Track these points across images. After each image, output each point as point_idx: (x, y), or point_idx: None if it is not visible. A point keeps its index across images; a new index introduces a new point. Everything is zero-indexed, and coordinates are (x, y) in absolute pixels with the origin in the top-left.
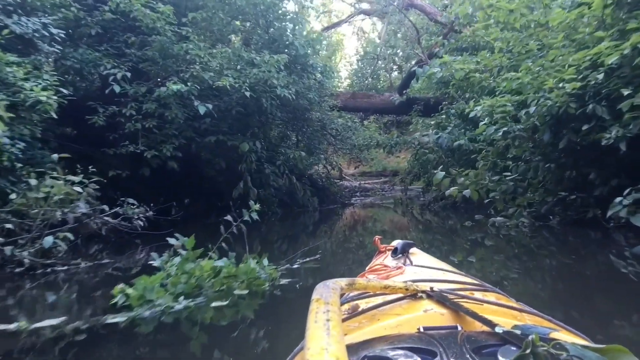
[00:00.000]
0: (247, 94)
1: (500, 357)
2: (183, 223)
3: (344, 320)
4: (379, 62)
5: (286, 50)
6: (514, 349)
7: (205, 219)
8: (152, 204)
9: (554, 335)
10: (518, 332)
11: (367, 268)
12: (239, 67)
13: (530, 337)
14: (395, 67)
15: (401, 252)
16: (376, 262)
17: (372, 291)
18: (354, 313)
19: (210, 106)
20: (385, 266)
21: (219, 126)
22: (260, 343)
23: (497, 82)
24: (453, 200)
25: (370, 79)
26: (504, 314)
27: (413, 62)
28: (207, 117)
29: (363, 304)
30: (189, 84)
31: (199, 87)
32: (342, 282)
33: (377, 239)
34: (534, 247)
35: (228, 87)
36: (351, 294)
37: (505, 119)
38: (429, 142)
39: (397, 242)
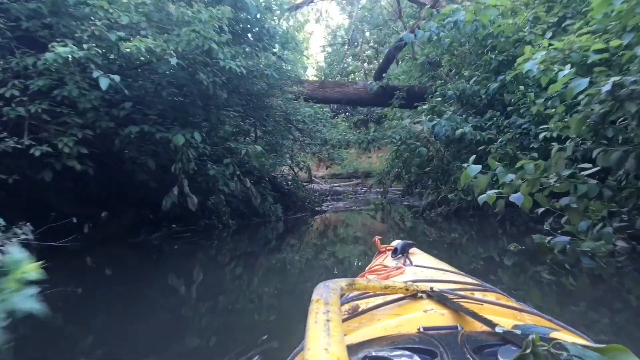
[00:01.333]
0: (174, 61)
1: (500, 357)
2: (102, 244)
3: (344, 320)
4: (350, 51)
5: (235, 15)
6: (514, 348)
7: (131, 237)
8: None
9: (554, 335)
10: (518, 332)
11: (367, 268)
12: (163, 30)
13: (530, 337)
14: (367, 55)
15: (401, 252)
16: (376, 263)
17: (372, 291)
18: (354, 313)
19: (116, 78)
20: (385, 266)
21: (144, 113)
22: None
23: (535, 35)
24: (456, 205)
25: (339, 76)
26: (504, 313)
27: (391, 45)
28: (127, 101)
29: (363, 304)
30: (85, 46)
31: (100, 52)
32: (342, 282)
33: (377, 239)
34: (631, 287)
35: (143, 50)
36: (351, 294)
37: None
38: (422, 131)
39: (397, 242)
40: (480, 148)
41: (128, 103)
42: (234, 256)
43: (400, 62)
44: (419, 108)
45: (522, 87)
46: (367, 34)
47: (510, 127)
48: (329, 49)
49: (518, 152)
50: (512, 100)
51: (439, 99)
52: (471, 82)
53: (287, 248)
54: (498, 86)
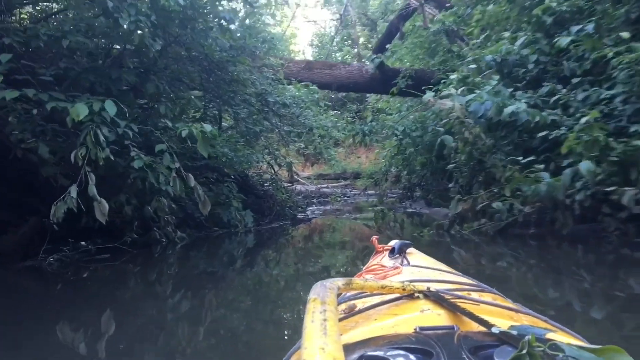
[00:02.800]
0: None
1: (496, 358)
2: None
3: (341, 320)
4: (340, 34)
5: None
6: (511, 349)
7: (26, 259)
8: None
9: (551, 335)
10: (515, 332)
11: (364, 268)
12: None
13: (526, 338)
14: (361, 36)
15: (398, 252)
16: (373, 262)
17: (369, 291)
18: (351, 313)
19: None
20: (383, 266)
21: (34, 73)
22: None
23: None
24: (506, 220)
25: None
26: (500, 314)
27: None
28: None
29: (360, 303)
30: None
31: None
32: (339, 282)
33: (374, 238)
34: None
35: None
36: (348, 294)
37: None
38: (452, 109)
39: (394, 242)
40: (540, 134)
41: (6, 55)
42: (179, 285)
43: (406, 36)
44: (450, 76)
45: (625, 34)
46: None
47: (584, 104)
48: (316, 42)
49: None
50: (577, 69)
51: (473, 66)
52: (517, 44)
53: (254, 275)
54: (569, 42)
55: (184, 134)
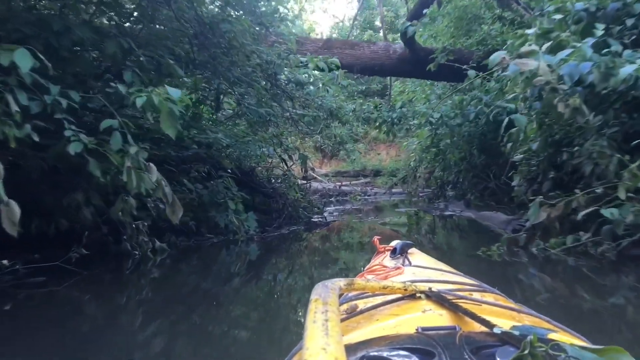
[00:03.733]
0: None
1: (498, 358)
2: None
3: (342, 320)
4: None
5: None
6: (513, 349)
7: None
8: None
9: (553, 336)
10: (516, 332)
11: (365, 268)
12: None
13: (528, 338)
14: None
15: (400, 253)
16: (375, 263)
17: (371, 291)
18: (352, 313)
19: None
20: (384, 266)
21: None
22: None
23: None
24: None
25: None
26: (502, 314)
27: None
28: None
29: (362, 304)
30: None
31: None
32: (341, 282)
33: (376, 239)
34: None
35: None
36: (350, 294)
37: None
38: (536, 71)
39: (395, 243)
40: None
41: None
42: (146, 319)
43: (443, 6)
44: (526, 31)
45: None
46: None
47: None
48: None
49: None
50: None
51: (556, 17)
52: None
53: (249, 310)
54: None
55: (139, 102)
